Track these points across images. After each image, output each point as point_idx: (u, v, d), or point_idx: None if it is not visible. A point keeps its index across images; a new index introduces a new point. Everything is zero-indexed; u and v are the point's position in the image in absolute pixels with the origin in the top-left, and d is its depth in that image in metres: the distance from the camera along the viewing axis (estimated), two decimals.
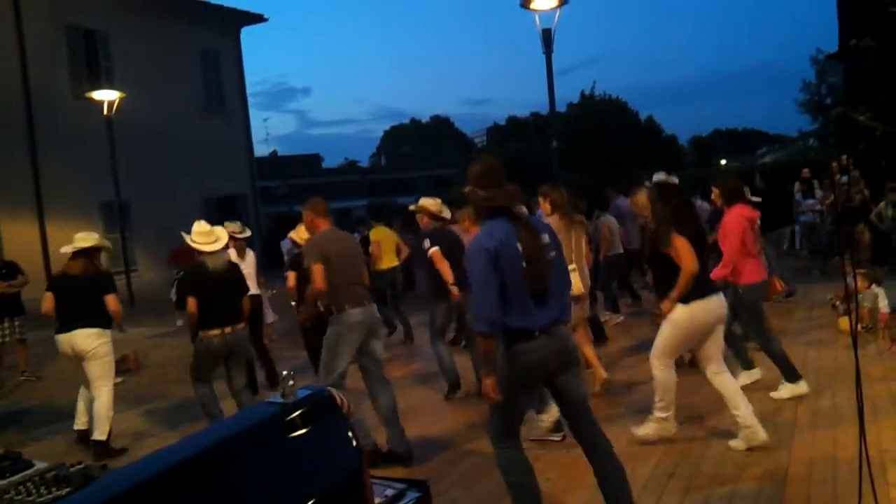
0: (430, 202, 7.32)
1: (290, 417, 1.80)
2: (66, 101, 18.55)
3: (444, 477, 4.88)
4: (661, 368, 5.09)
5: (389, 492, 2.22)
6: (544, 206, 6.50)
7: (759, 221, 6.37)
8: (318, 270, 5.14)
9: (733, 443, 5.02)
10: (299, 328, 7.64)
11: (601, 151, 28.32)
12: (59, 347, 6.24)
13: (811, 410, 5.64)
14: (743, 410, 4.95)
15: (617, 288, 10.39)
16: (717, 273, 5.81)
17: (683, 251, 4.85)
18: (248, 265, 8.10)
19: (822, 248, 13.56)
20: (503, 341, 3.58)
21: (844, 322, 7.90)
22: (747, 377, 6.32)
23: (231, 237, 8.10)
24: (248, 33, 27.11)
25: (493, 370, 3.54)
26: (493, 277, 3.47)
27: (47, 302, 6.21)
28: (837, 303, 8.73)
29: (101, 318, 6.21)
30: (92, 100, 16.95)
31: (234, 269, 6.21)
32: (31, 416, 7.64)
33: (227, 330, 5.91)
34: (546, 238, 3.68)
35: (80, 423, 6.42)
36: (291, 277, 7.34)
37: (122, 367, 9.43)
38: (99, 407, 6.11)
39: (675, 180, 5.41)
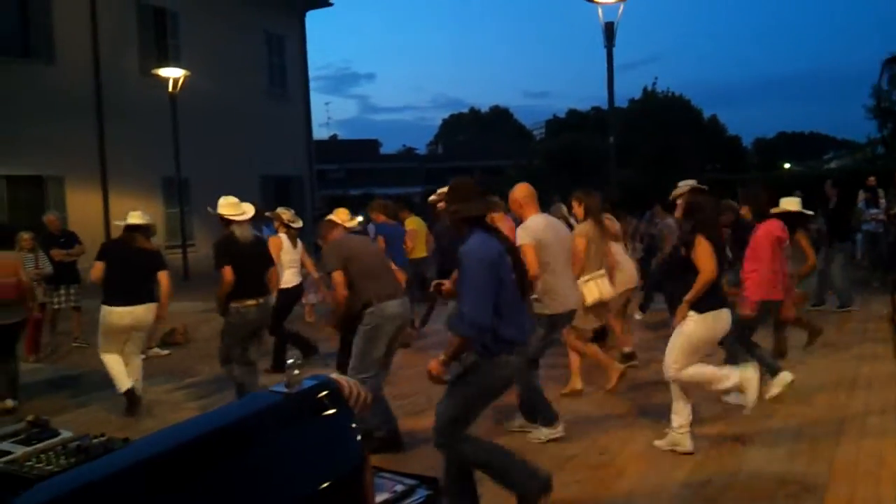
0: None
1: (292, 407, 1.79)
2: (133, 77, 19.01)
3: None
4: (675, 380, 5.00)
5: (399, 487, 2.20)
6: (578, 211, 6.52)
7: (788, 241, 6.26)
8: (338, 277, 5.25)
9: (658, 442, 5.06)
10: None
11: (661, 149, 27.85)
12: (112, 318, 6.36)
13: (857, 425, 5.44)
14: (683, 420, 4.98)
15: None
16: (750, 292, 5.85)
17: (705, 256, 4.82)
18: (297, 253, 8.20)
19: (884, 260, 13.08)
20: (485, 350, 3.65)
21: None
22: (778, 385, 5.99)
23: (285, 224, 8.23)
24: (313, 17, 27.34)
25: (452, 359, 3.65)
26: (493, 286, 3.56)
27: (98, 270, 6.35)
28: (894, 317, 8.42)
29: (153, 294, 6.55)
30: (158, 77, 17.34)
31: (260, 241, 6.34)
32: (80, 383, 7.85)
33: (261, 300, 6.01)
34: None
35: (128, 383, 6.47)
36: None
37: (170, 339, 9.66)
38: (138, 366, 6.62)
39: (704, 187, 5.37)
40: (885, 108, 29.03)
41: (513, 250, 3.74)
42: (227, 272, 5.81)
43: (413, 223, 10.14)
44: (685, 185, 7.28)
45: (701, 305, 4.88)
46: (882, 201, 14.03)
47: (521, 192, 5.49)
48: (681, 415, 5.01)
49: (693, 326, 4.90)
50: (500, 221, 5.64)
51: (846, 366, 7.17)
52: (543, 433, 5.31)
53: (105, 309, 6.40)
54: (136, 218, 6.57)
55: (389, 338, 5.27)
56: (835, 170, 28.31)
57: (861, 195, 14.10)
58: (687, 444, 4.98)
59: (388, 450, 5.08)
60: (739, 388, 4.97)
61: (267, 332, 6.52)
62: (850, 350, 7.76)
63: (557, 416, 5.36)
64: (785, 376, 6.00)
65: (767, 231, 6.05)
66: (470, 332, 3.57)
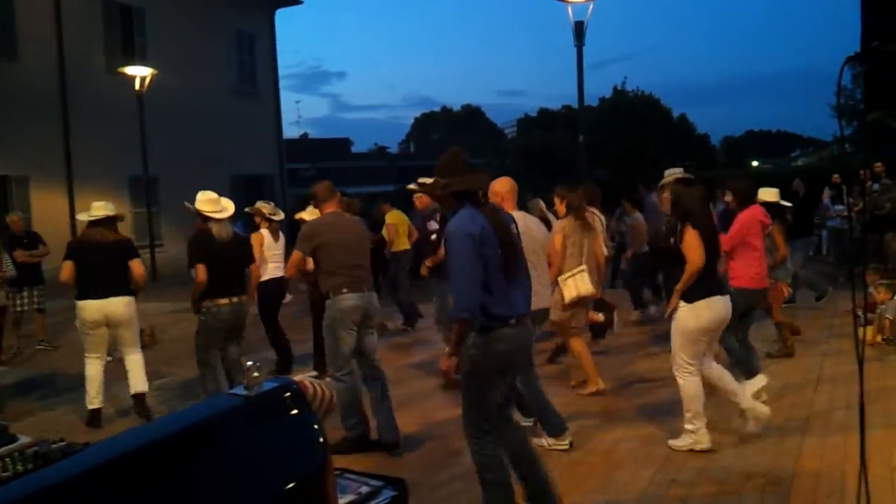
0: (429, 181, 7.23)
1: (252, 409, 1.76)
2: (99, 76, 18.74)
3: (445, 468, 4.84)
4: (682, 376, 4.98)
5: (364, 489, 2.18)
6: (560, 208, 6.45)
7: (770, 228, 6.39)
8: (294, 257, 5.28)
9: (673, 442, 5.02)
10: (311, 313, 7.60)
11: (631, 147, 28.08)
12: (84, 314, 6.21)
13: (822, 421, 5.52)
14: (699, 419, 4.96)
15: (645, 286, 10.24)
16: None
17: (692, 245, 4.82)
18: (280, 247, 8.11)
19: (848, 256, 13.29)
20: (479, 328, 3.58)
21: (866, 332, 7.72)
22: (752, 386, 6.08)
23: (266, 219, 8.13)
24: (283, 15, 27.22)
25: (458, 352, 3.58)
26: (477, 264, 3.48)
27: (67, 270, 6.18)
28: (860, 312, 8.53)
29: (129, 286, 6.36)
30: (125, 75, 17.10)
31: (239, 238, 6.18)
32: (45, 386, 7.73)
33: (235, 300, 5.85)
34: (514, 228, 3.74)
35: (96, 402, 6.30)
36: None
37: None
38: (137, 363, 6.43)
39: (690, 176, 5.35)
40: (851, 106, 29.49)
41: (502, 225, 3.61)
42: (200, 271, 5.67)
43: (394, 217, 10.19)
44: (671, 174, 7.27)
45: (691, 295, 4.86)
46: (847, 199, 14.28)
47: (504, 185, 5.39)
48: (693, 409, 4.97)
49: (685, 317, 4.89)
50: None
51: (812, 362, 7.27)
52: (547, 441, 5.14)
53: (78, 305, 6.25)
54: (100, 210, 6.37)
55: (354, 329, 5.19)
56: (801, 167, 28.72)
57: (826, 192, 14.34)
58: (705, 440, 4.95)
59: (358, 450, 5.04)
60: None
61: (244, 332, 6.31)
62: (817, 346, 7.87)
63: (566, 429, 5.18)
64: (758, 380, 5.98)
65: (752, 215, 6.11)
66: (462, 315, 3.49)
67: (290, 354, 7.74)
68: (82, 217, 6.44)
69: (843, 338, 8.25)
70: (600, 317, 6.92)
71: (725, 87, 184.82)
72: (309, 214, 7.29)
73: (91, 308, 6.19)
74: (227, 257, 5.83)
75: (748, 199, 6.31)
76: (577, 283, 6.20)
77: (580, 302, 6.30)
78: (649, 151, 27.53)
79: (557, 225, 6.35)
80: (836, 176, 14.91)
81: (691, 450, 4.93)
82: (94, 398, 6.25)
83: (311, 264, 6.72)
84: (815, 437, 5.16)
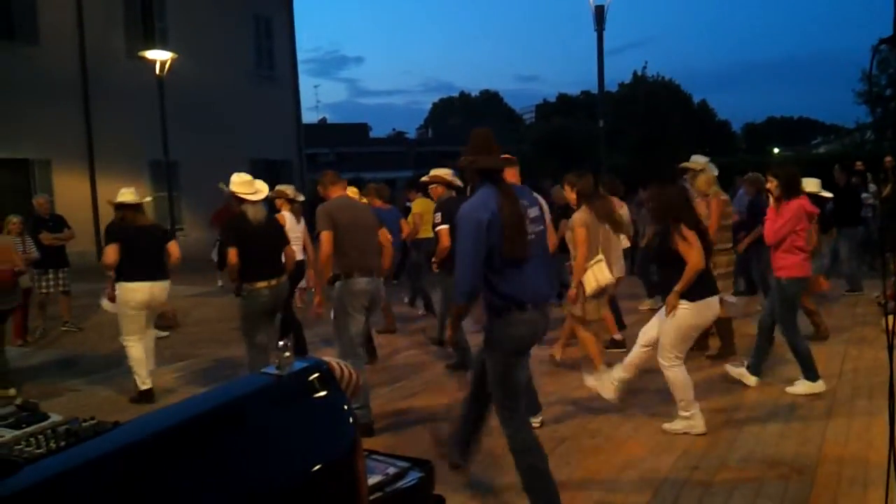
0: (443, 171, 7.22)
1: (282, 389, 1.77)
2: (120, 60, 18.84)
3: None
4: (670, 368, 5.01)
5: (392, 470, 2.19)
6: (570, 196, 6.27)
7: (816, 218, 6.33)
8: (326, 237, 5.19)
9: (667, 426, 5.09)
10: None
11: (650, 133, 27.88)
12: (134, 296, 6.28)
13: (846, 408, 5.48)
14: (689, 399, 5.04)
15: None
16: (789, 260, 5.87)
17: (691, 246, 4.84)
18: (300, 229, 8.13)
19: (873, 244, 13.14)
20: (493, 310, 3.61)
21: (888, 321, 7.65)
22: (742, 375, 6.13)
23: (289, 200, 8.17)
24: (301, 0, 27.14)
25: (454, 327, 3.91)
26: (480, 249, 3.48)
27: (113, 253, 6.24)
28: (883, 301, 8.46)
29: (166, 270, 6.53)
30: (145, 59, 17.16)
31: (274, 221, 6.22)
32: (71, 367, 7.82)
33: (273, 282, 5.86)
34: (533, 212, 3.73)
35: (148, 383, 6.39)
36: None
37: (163, 322, 9.61)
38: (151, 343, 6.58)
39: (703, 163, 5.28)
40: (876, 93, 29.09)
41: (516, 209, 3.56)
42: (232, 254, 5.68)
43: (420, 205, 10.09)
44: (696, 161, 7.27)
45: (693, 294, 4.88)
46: (871, 186, 14.12)
47: (509, 175, 5.37)
48: (685, 397, 5.02)
49: (685, 315, 4.91)
50: None
51: (836, 349, 7.22)
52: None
53: (123, 286, 6.32)
54: (129, 196, 6.51)
55: (363, 311, 5.23)
56: (823, 154, 28.37)
57: (851, 180, 14.14)
58: (700, 424, 5.01)
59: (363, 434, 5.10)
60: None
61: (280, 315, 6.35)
62: (841, 334, 7.80)
63: (540, 408, 5.31)
64: (818, 385, 5.93)
65: (800, 205, 5.94)
66: (461, 298, 3.56)
67: (302, 338, 7.79)
68: (116, 200, 6.54)
69: (867, 325, 8.20)
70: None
71: (747, 73, 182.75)
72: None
73: (142, 290, 6.31)
74: (263, 240, 5.84)
75: (796, 189, 6.02)
76: (597, 274, 6.08)
77: (600, 292, 6.20)
78: (669, 138, 27.31)
79: (576, 217, 6.13)
80: (859, 163, 14.71)
81: (686, 433, 5.01)
82: (145, 379, 6.37)
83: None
84: (839, 425, 5.13)
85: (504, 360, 3.65)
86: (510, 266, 3.54)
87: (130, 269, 6.28)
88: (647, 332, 5.21)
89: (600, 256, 6.14)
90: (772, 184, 6.15)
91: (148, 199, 6.91)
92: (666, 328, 4.99)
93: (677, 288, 4.87)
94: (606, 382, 5.36)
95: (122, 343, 6.42)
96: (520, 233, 3.55)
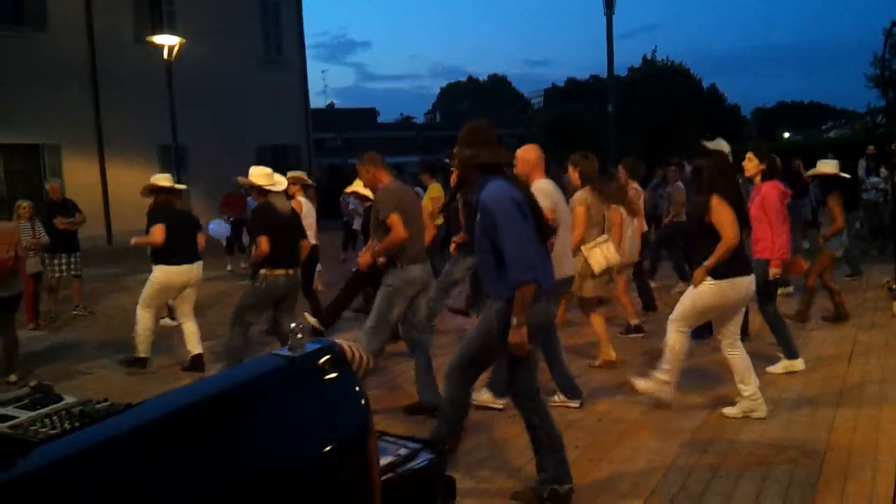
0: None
1: (295, 371, 1.78)
2: (128, 45, 18.85)
3: (472, 436, 4.87)
4: (675, 332, 4.99)
5: (403, 451, 2.21)
6: (573, 177, 6.26)
7: (789, 199, 6.36)
8: (398, 220, 5.07)
9: (727, 410, 5.03)
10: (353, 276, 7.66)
11: (660, 117, 27.71)
12: (171, 277, 6.60)
13: (855, 394, 5.47)
14: (752, 388, 4.97)
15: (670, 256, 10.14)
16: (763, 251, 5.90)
17: (724, 221, 4.73)
18: (313, 215, 8.20)
19: (883, 229, 13.08)
20: (508, 299, 3.54)
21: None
22: (782, 367, 6.06)
23: (305, 186, 8.26)
24: None
25: (523, 315, 3.50)
26: (528, 225, 3.48)
27: (160, 233, 6.45)
28: (894, 286, 8.43)
29: (199, 252, 6.88)
30: (153, 45, 17.15)
31: (294, 213, 6.40)
32: (82, 350, 7.87)
33: (291, 272, 6.05)
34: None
35: (145, 353, 6.77)
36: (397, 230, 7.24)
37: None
38: (194, 328, 6.83)
39: (727, 148, 5.20)
40: (888, 77, 28.79)
41: (531, 196, 3.60)
42: (263, 242, 5.83)
43: (436, 190, 10.00)
44: (717, 144, 7.19)
45: (719, 272, 4.78)
46: (883, 170, 14.02)
47: (533, 152, 5.36)
48: (672, 363, 5.00)
49: (707, 292, 4.82)
50: None
51: (845, 334, 7.20)
52: (559, 397, 5.32)
53: (165, 269, 6.58)
54: (166, 181, 6.82)
55: (408, 301, 5.27)
56: (834, 139, 28.16)
57: (861, 164, 14.06)
58: (762, 409, 4.98)
59: (415, 412, 5.23)
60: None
61: (294, 304, 6.47)
62: (850, 319, 7.77)
63: (580, 392, 5.38)
64: (797, 363, 6.02)
65: (774, 186, 6.07)
66: (525, 278, 3.43)
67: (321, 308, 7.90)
68: (162, 182, 6.78)
69: (878, 311, 8.17)
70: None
71: (757, 57, 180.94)
72: (359, 185, 7.31)
73: (181, 272, 6.62)
74: (286, 230, 6.02)
75: (775, 172, 6.26)
76: (606, 253, 6.14)
77: (607, 272, 6.24)
78: (678, 123, 27.15)
79: (577, 196, 6.15)
80: (871, 147, 14.62)
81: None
82: (146, 349, 6.76)
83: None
84: (849, 410, 5.12)
85: (495, 341, 3.65)
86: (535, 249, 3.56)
87: (172, 252, 6.53)
88: (677, 311, 5.17)
89: (606, 236, 6.19)
90: (751, 163, 6.15)
91: (183, 186, 7.20)
92: (686, 298, 4.96)
93: (707, 263, 4.78)
94: (653, 387, 5.17)
95: (138, 311, 6.71)
96: (539, 215, 3.59)
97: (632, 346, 7.02)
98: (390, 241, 5.12)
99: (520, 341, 3.53)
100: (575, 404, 5.29)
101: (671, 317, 5.05)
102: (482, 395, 5.26)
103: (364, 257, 5.58)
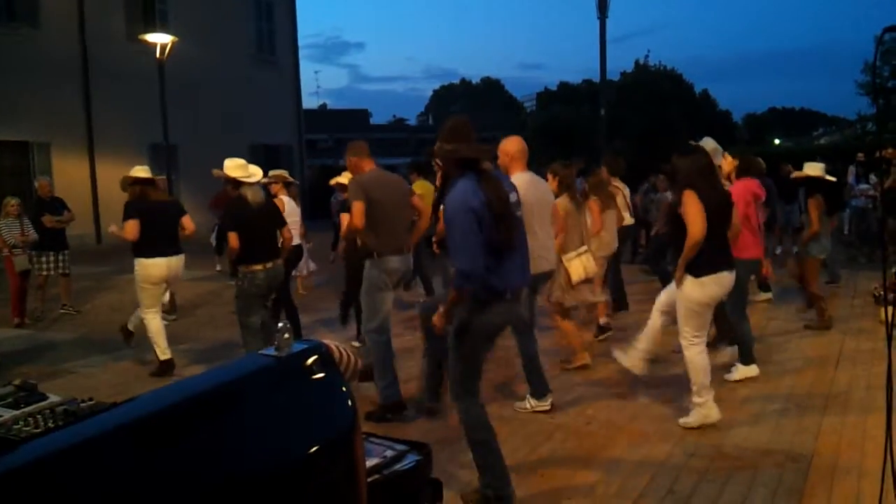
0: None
1: (282, 370, 1.77)
2: (120, 43, 18.75)
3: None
4: (688, 347, 4.95)
5: (389, 453, 2.20)
6: (552, 185, 6.23)
7: (763, 199, 6.52)
8: (358, 207, 5.09)
9: (684, 420, 4.97)
10: (346, 274, 7.59)
11: (652, 121, 27.80)
12: (153, 271, 6.49)
13: (842, 400, 5.49)
14: (706, 389, 4.95)
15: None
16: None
17: (693, 213, 4.69)
18: (296, 213, 8.14)
19: (871, 236, 13.15)
20: (473, 297, 3.60)
21: (887, 312, 7.69)
22: (741, 374, 6.04)
23: (286, 184, 8.20)
24: None
25: (448, 312, 3.65)
26: (477, 235, 3.48)
27: (133, 228, 6.34)
28: (881, 292, 8.47)
29: (180, 245, 6.75)
30: (146, 42, 17.05)
31: (271, 203, 6.30)
32: (68, 349, 7.82)
33: (269, 265, 5.94)
34: (513, 197, 3.72)
35: (168, 353, 6.66)
36: (345, 220, 7.15)
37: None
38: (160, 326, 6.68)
39: (712, 146, 5.24)
40: (879, 84, 28.96)
41: (501, 198, 3.57)
42: (233, 238, 5.77)
43: (420, 187, 9.98)
44: (707, 143, 7.24)
45: (697, 268, 4.76)
46: (872, 177, 14.11)
47: (514, 145, 5.33)
48: (699, 381, 4.92)
49: (689, 289, 4.81)
50: None
51: (832, 341, 7.23)
52: (531, 403, 5.33)
53: (142, 263, 6.48)
54: (143, 172, 6.66)
55: (392, 292, 5.29)
56: (825, 145, 28.31)
57: (851, 171, 14.14)
58: (714, 413, 4.94)
59: (391, 416, 5.17)
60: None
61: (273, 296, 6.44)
62: (837, 325, 7.80)
63: (549, 391, 5.38)
64: (752, 369, 6.03)
65: (746, 187, 6.17)
66: (461, 283, 3.52)
67: (297, 321, 7.82)
68: (138, 173, 6.63)
69: (864, 317, 8.21)
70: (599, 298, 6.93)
71: (748, 63, 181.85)
72: (344, 178, 7.30)
73: (160, 265, 6.49)
74: (261, 223, 5.93)
75: (748, 171, 6.40)
76: (585, 264, 6.23)
77: (585, 282, 6.30)
78: (670, 127, 27.24)
79: (558, 203, 6.09)
80: (860, 154, 14.71)
81: (702, 426, 4.91)
82: (165, 350, 6.60)
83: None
84: (835, 416, 5.14)
85: (473, 344, 3.70)
86: (496, 254, 3.56)
87: (149, 245, 6.43)
88: (662, 297, 5.24)
89: (586, 247, 6.28)
90: (725, 160, 6.31)
91: (161, 176, 7.08)
92: (677, 305, 4.95)
93: (679, 263, 4.79)
94: (634, 356, 5.38)
95: (141, 316, 6.66)
96: (508, 218, 3.56)
97: (605, 345, 6.98)
98: (346, 228, 5.27)
99: (439, 328, 3.70)
100: (545, 405, 5.31)
101: (680, 337, 5.00)
102: (528, 403, 5.33)
103: (340, 246, 5.68)
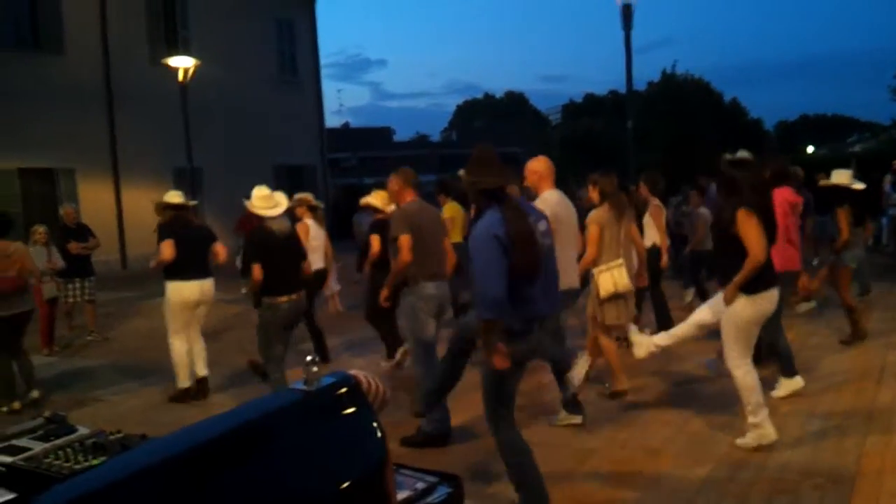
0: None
1: (312, 404, 1.72)
2: (143, 68, 18.97)
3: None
4: (736, 368, 4.78)
5: (420, 485, 2.14)
6: (593, 195, 6.12)
7: (801, 208, 6.42)
8: (405, 241, 5.13)
9: (740, 441, 4.82)
10: (367, 300, 7.52)
11: (680, 132, 27.54)
12: (185, 294, 6.52)
13: (886, 417, 5.31)
14: (761, 408, 4.80)
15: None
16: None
17: (754, 235, 4.54)
18: (322, 237, 8.13)
19: None
20: (503, 330, 3.59)
21: None
22: (786, 388, 5.87)
23: (310, 208, 8.20)
24: (323, 2, 27.30)
25: (490, 345, 3.55)
26: (502, 264, 3.49)
27: (169, 248, 6.36)
28: None
29: (211, 269, 6.81)
30: (168, 67, 17.26)
31: (294, 235, 6.27)
32: (95, 377, 7.82)
33: (294, 297, 5.88)
34: (542, 226, 3.74)
35: (186, 383, 6.66)
36: (376, 242, 7.09)
37: None
38: (203, 349, 6.79)
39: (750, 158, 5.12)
40: None
41: (525, 227, 3.57)
42: (256, 270, 5.70)
43: (451, 210, 9.88)
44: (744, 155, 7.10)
45: (751, 287, 4.62)
46: None
47: (543, 164, 5.56)
48: (752, 400, 4.77)
49: (742, 308, 4.65)
50: None
51: (874, 355, 7.02)
52: (562, 416, 5.39)
53: (174, 285, 6.51)
54: (177, 198, 6.74)
55: (432, 315, 5.25)
56: (859, 153, 27.82)
57: (887, 178, 13.83)
58: (771, 432, 4.79)
59: (434, 444, 5.08)
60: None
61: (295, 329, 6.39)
62: (878, 338, 7.56)
63: (582, 408, 5.40)
64: (796, 381, 5.86)
65: (783, 197, 6.00)
66: (489, 315, 3.49)
67: (324, 344, 7.81)
68: (164, 200, 6.72)
69: None
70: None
71: (779, 70, 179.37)
72: (375, 198, 7.28)
73: (192, 288, 6.54)
74: (285, 254, 5.88)
75: (781, 179, 6.24)
76: (616, 278, 5.83)
77: (616, 297, 5.89)
78: (700, 138, 26.95)
79: (592, 214, 5.99)
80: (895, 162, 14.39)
81: (759, 445, 4.76)
82: (184, 378, 6.63)
83: (376, 245, 6.72)
84: (879, 434, 4.96)
85: (502, 372, 3.66)
86: (521, 283, 3.56)
87: (182, 268, 6.45)
88: (700, 313, 5.07)
89: (620, 260, 5.88)
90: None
91: (194, 202, 7.14)
92: (724, 324, 4.77)
93: (737, 280, 4.59)
94: (645, 343, 5.29)
95: (169, 341, 6.64)
96: (531, 248, 3.57)
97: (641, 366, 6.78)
98: (396, 268, 5.30)
99: (498, 361, 3.57)
100: (577, 420, 5.35)
101: (725, 356, 4.84)
102: (560, 416, 5.41)
103: (383, 293, 5.72)
